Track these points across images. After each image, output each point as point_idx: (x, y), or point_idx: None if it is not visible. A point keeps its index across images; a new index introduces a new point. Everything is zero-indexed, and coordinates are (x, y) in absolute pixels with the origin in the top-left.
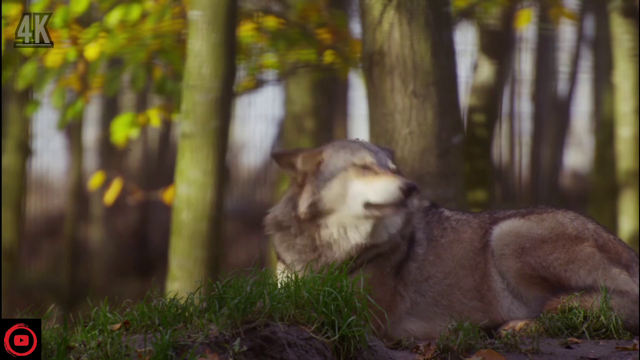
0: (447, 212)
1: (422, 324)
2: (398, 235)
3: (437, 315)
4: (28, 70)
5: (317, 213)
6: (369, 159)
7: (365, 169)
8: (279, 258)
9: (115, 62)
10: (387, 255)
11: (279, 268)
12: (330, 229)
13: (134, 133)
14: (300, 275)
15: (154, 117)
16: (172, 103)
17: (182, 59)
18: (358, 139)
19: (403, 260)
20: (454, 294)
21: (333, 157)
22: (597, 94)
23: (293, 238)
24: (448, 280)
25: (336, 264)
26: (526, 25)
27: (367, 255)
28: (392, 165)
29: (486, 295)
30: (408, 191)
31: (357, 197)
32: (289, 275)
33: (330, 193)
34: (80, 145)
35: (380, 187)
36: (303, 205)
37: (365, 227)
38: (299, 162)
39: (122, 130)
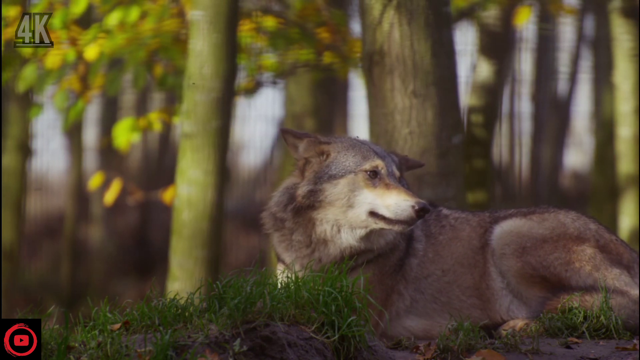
0: (445, 211)
1: (421, 321)
2: (398, 238)
3: (436, 312)
4: (28, 73)
5: (314, 203)
6: (380, 168)
7: (375, 178)
8: (278, 259)
9: (115, 63)
10: (387, 254)
11: (279, 268)
12: (325, 225)
13: (136, 137)
14: (300, 275)
15: (155, 122)
16: (173, 106)
17: (182, 54)
18: (358, 137)
19: (403, 257)
20: (452, 291)
21: (341, 154)
22: (597, 94)
23: (290, 235)
24: (447, 277)
25: (330, 261)
26: (525, 22)
27: (368, 255)
28: (397, 173)
29: (484, 293)
30: (421, 211)
31: (364, 205)
32: (289, 275)
33: (334, 189)
34: (80, 145)
35: (393, 204)
36: (302, 189)
37: (360, 231)
38: (302, 146)
39: (124, 135)
